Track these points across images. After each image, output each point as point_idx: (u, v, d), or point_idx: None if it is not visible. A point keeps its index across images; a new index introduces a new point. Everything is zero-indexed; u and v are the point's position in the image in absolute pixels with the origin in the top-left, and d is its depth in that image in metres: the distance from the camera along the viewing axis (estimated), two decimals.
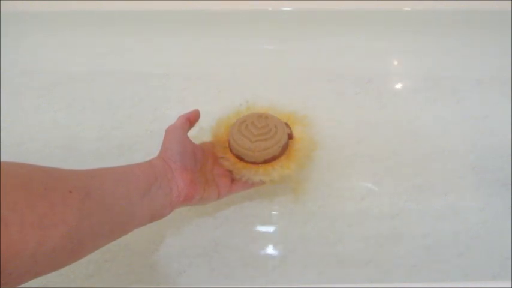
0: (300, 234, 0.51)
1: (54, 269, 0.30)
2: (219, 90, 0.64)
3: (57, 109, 0.64)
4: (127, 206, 0.36)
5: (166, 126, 0.47)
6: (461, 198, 0.53)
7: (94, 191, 0.33)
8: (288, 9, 0.66)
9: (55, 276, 0.48)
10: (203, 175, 0.46)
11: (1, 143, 0.60)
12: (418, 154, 0.57)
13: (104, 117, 0.62)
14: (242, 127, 0.47)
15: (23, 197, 0.27)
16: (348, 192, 0.54)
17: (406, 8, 0.65)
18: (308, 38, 0.68)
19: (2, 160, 0.29)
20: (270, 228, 0.52)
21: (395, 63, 0.67)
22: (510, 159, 0.55)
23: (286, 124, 0.49)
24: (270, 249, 0.51)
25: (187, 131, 0.47)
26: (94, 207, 0.32)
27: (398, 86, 0.65)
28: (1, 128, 0.61)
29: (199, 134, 0.52)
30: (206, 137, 0.51)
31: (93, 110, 0.63)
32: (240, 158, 0.47)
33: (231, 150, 0.48)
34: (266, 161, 0.47)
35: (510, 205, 0.52)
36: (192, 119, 0.47)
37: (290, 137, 0.49)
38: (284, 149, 0.48)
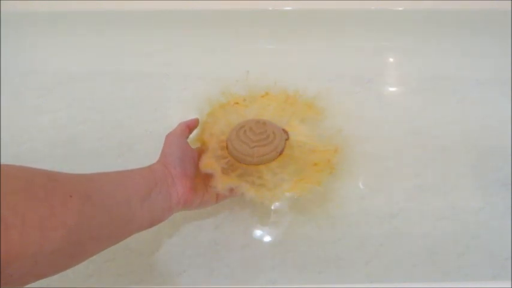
0: (300, 234, 0.51)
1: (54, 271, 0.31)
2: (219, 90, 0.64)
3: (57, 109, 0.64)
4: (127, 210, 0.36)
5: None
6: (461, 198, 0.53)
7: (94, 195, 0.33)
8: (288, 9, 0.66)
9: (55, 276, 0.48)
10: (202, 180, 0.46)
11: (1, 143, 0.60)
12: (418, 154, 0.57)
13: (104, 117, 0.62)
14: (240, 133, 0.48)
15: (23, 199, 0.27)
16: (348, 192, 0.54)
17: (406, 8, 0.65)
18: (308, 38, 0.68)
19: (2, 162, 0.29)
20: (270, 228, 0.52)
21: (396, 63, 0.67)
22: (510, 159, 0.55)
23: (284, 130, 0.50)
24: (270, 249, 0.51)
25: (187, 138, 0.48)
26: (94, 211, 0.32)
27: (399, 86, 0.65)
28: (1, 128, 0.61)
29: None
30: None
31: (93, 110, 0.63)
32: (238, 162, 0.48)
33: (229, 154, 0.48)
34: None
35: (510, 205, 0.52)
36: (191, 126, 0.49)
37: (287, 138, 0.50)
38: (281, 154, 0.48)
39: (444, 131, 0.59)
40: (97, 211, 0.32)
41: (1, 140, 0.60)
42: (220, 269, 0.49)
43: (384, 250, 0.49)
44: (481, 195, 0.53)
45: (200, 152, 0.48)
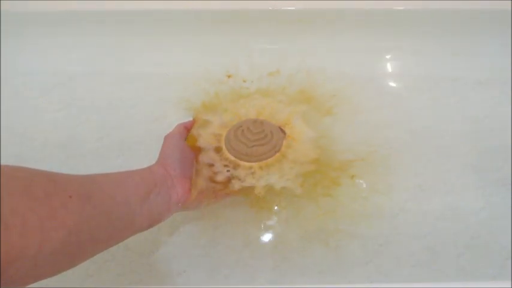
0: (300, 234, 0.51)
1: (54, 272, 0.31)
2: (219, 90, 0.64)
3: (57, 109, 0.64)
4: (126, 211, 0.36)
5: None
6: (461, 198, 0.53)
7: (94, 195, 0.33)
8: (288, 9, 0.66)
9: (55, 276, 0.48)
10: (201, 181, 0.46)
11: (1, 143, 0.59)
12: (418, 154, 0.57)
13: (104, 117, 0.62)
14: (238, 132, 0.48)
15: (23, 200, 0.27)
16: (348, 192, 0.54)
17: (406, 7, 0.65)
18: (308, 38, 0.68)
19: (2, 162, 0.29)
20: (270, 228, 0.52)
21: (395, 63, 0.67)
22: (510, 159, 0.55)
23: (281, 129, 0.50)
24: (270, 249, 0.51)
25: (185, 139, 0.48)
26: (94, 212, 0.32)
27: (399, 86, 0.65)
28: (1, 128, 0.61)
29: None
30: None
31: (93, 110, 0.63)
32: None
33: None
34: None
35: (510, 205, 0.52)
36: (189, 127, 0.49)
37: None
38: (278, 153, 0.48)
39: (444, 131, 0.59)
40: (97, 212, 0.33)
41: (1, 140, 0.60)
42: (220, 269, 0.49)
43: (384, 250, 0.49)
44: (481, 195, 0.53)
45: (196, 152, 0.48)
